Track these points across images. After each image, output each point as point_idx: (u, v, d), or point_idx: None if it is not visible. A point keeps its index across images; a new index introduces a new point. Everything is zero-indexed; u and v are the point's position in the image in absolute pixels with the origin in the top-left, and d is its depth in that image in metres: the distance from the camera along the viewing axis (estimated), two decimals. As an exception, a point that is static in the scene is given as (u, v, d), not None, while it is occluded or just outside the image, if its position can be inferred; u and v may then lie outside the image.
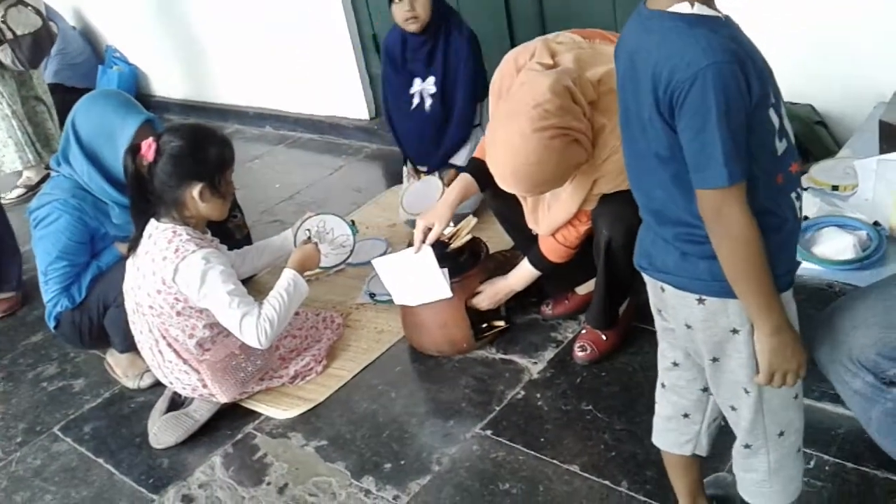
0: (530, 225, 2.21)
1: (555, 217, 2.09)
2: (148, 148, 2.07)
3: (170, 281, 2.08)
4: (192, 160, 2.08)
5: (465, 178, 2.26)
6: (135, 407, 2.48)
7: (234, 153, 2.19)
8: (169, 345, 2.19)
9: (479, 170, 2.20)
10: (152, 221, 2.14)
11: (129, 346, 2.46)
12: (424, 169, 3.17)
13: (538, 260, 2.22)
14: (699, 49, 1.13)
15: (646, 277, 1.41)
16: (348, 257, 2.66)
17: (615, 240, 2.04)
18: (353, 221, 2.71)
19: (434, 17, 2.91)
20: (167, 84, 5.13)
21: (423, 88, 3.05)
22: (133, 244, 2.19)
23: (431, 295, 2.29)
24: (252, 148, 4.39)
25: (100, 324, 2.44)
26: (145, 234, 2.15)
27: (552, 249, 2.17)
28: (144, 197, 2.13)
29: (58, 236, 2.37)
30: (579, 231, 2.11)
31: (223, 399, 2.27)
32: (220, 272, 2.09)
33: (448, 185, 3.01)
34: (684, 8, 1.16)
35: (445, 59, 2.97)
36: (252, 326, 2.11)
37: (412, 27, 2.92)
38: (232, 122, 4.75)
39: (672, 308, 1.36)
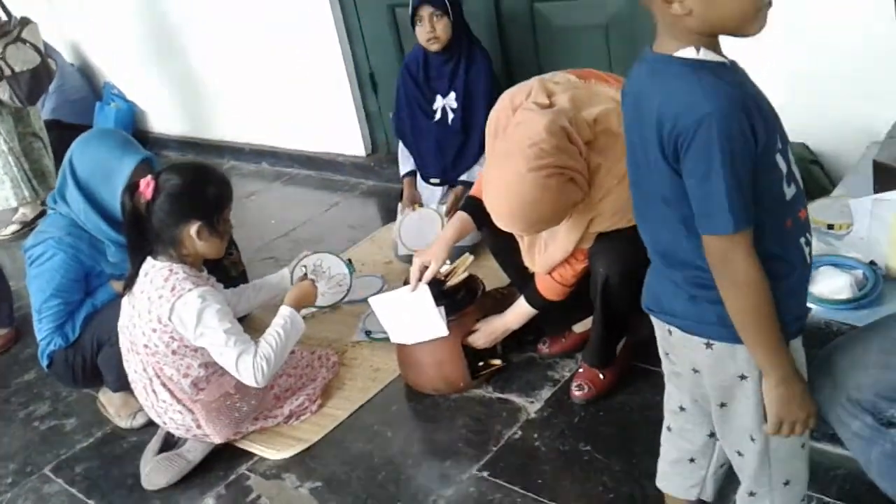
0: (527, 263, 2.20)
1: (551, 255, 2.09)
2: (146, 186, 2.07)
3: (165, 319, 2.07)
4: (190, 199, 2.08)
5: (461, 216, 2.26)
6: (127, 447, 2.45)
7: (233, 192, 2.19)
8: (163, 384, 2.17)
9: (475, 208, 2.20)
10: (149, 260, 2.14)
11: (122, 384, 2.44)
12: (436, 181, 3.22)
13: (534, 298, 2.21)
14: (703, 94, 1.14)
15: (654, 320, 1.40)
16: (345, 296, 2.65)
17: (612, 278, 2.04)
18: (349, 260, 2.71)
19: (454, 37, 3.02)
20: (164, 121, 5.16)
21: (446, 104, 3.14)
22: (129, 282, 2.19)
23: (428, 333, 2.28)
24: (248, 184, 4.41)
25: (93, 362, 2.42)
26: (142, 272, 2.14)
27: (548, 287, 2.17)
28: (142, 235, 2.13)
29: (52, 274, 2.36)
30: (576, 269, 2.11)
31: (217, 440, 2.25)
32: (216, 311, 2.08)
33: (454, 201, 3.10)
34: (689, 53, 1.17)
35: (466, 76, 3.09)
36: (249, 365, 2.10)
37: (434, 47, 3.03)
38: (228, 158, 4.77)
39: (680, 351, 1.35)
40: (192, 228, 2.08)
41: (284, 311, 2.25)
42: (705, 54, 1.17)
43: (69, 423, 2.62)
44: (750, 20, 1.16)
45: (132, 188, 2.10)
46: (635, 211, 1.36)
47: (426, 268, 2.24)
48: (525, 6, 3.29)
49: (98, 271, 2.42)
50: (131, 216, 2.11)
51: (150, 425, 2.42)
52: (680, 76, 1.17)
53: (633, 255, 1.97)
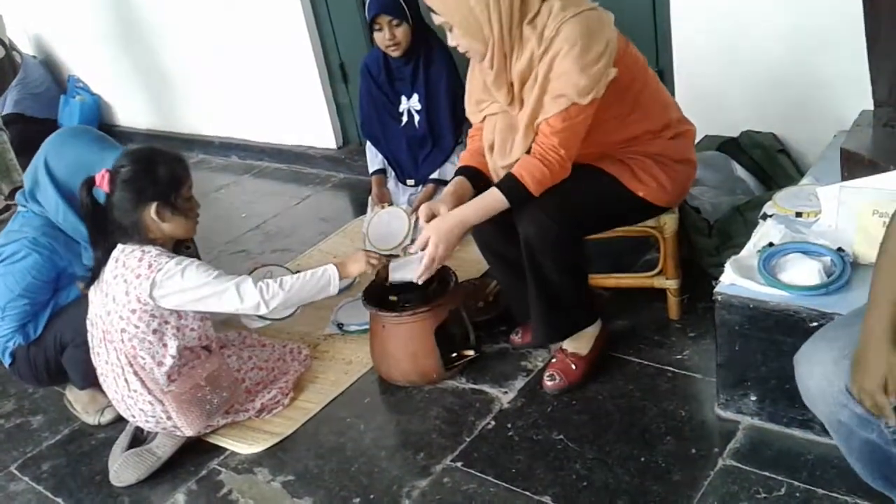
0: (499, 163, 2.09)
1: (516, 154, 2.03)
2: (102, 179, 2.07)
3: (146, 297, 2.06)
4: (143, 182, 2.07)
5: (459, 179, 2.18)
6: (95, 444, 2.40)
7: (188, 169, 2.17)
8: (136, 373, 2.13)
9: (470, 175, 2.18)
10: (119, 247, 2.12)
11: (89, 382, 2.40)
12: (411, 183, 3.20)
13: (512, 184, 1.99)
14: None
15: None
16: (297, 309, 2.58)
17: (530, 238, 2.01)
18: (298, 272, 2.72)
19: (414, 39, 2.98)
20: (131, 114, 5.08)
21: (411, 105, 3.12)
22: (95, 272, 2.16)
23: None
24: (218, 178, 4.35)
25: (56, 361, 2.37)
26: (112, 260, 2.12)
27: (531, 168, 1.97)
28: (103, 228, 2.11)
29: (23, 274, 2.30)
30: (553, 143, 1.94)
31: (188, 432, 2.22)
32: (196, 266, 2.09)
33: (425, 198, 3.08)
34: None
35: (427, 76, 3.06)
36: (250, 288, 2.10)
37: (394, 53, 3.00)
38: (197, 151, 4.70)
39: None
40: (151, 210, 2.07)
41: (327, 266, 2.22)
42: None
43: (35, 420, 2.57)
44: None
45: (89, 182, 2.10)
46: None
47: (434, 216, 2.12)
48: None
49: (69, 273, 2.37)
50: (90, 209, 2.11)
51: (119, 422, 2.38)
52: None
53: (548, 218, 1.99)
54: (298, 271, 2.66)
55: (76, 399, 2.51)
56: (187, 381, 2.17)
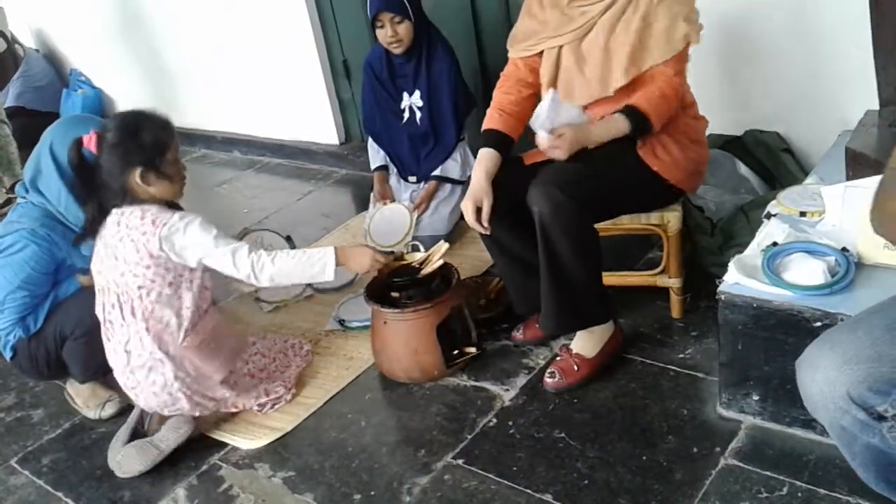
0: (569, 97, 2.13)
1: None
2: (90, 140, 2.10)
3: (157, 251, 2.08)
4: (127, 147, 2.08)
5: (487, 152, 2.18)
6: (96, 437, 2.40)
7: (173, 133, 2.17)
8: (153, 332, 2.14)
9: (497, 141, 2.19)
10: (115, 211, 2.14)
11: (89, 375, 2.39)
12: (413, 180, 3.20)
13: (638, 116, 2.04)
14: None
15: None
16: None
17: (544, 216, 2.00)
18: (288, 236, 2.71)
19: (416, 36, 2.98)
20: (133, 107, 5.06)
21: (412, 102, 3.11)
22: (90, 228, 2.17)
23: None
24: (220, 173, 4.35)
25: (57, 355, 2.36)
26: (112, 222, 2.13)
27: (650, 98, 2.05)
28: (92, 186, 2.14)
29: (22, 266, 2.29)
30: (676, 83, 2.07)
31: (218, 376, 2.24)
32: (199, 223, 2.11)
33: (426, 195, 3.08)
34: None
35: (429, 73, 3.05)
36: (244, 256, 2.11)
37: (397, 50, 3.00)
38: (199, 146, 4.70)
39: None
40: (136, 175, 2.08)
41: (327, 248, 2.20)
42: None
43: (36, 414, 2.57)
44: None
45: (78, 143, 2.11)
46: None
47: (479, 209, 2.14)
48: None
49: (68, 264, 2.37)
50: (79, 169, 2.13)
51: (119, 416, 2.38)
52: None
53: (562, 193, 1.99)
54: (290, 237, 2.70)
55: (77, 393, 2.51)
56: (199, 335, 2.20)
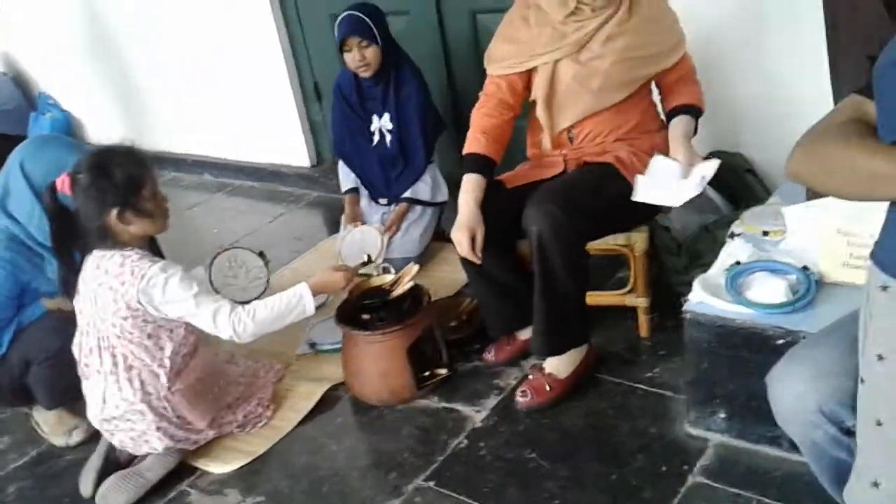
0: (568, 113, 2.22)
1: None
2: (62, 183, 2.06)
3: (135, 304, 2.04)
4: (100, 187, 2.02)
5: (472, 178, 2.18)
6: (64, 465, 2.37)
7: (147, 168, 2.11)
8: (137, 379, 2.10)
9: (481, 164, 2.20)
10: (95, 253, 2.09)
11: (56, 402, 2.36)
12: (384, 202, 3.20)
13: (697, 110, 2.27)
14: None
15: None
16: (266, 288, 2.61)
17: (544, 234, 2.02)
18: (261, 252, 2.71)
19: (384, 60, 2.99)
20: (102, 130, 5.03)
21: (382, 125, 3.13)
22: (66, 283, 2.14)
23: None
24: (190, 196, 4.33)
25: (22, 381, 2.33)
26: (91, 265, 2.09)
27: (699, 94, 2.30)
28: (68, 233, 2.10)
29: None
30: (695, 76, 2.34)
31: (201, 424, 2.21)
32: (179, 279, 2.06)
33: (397, 217, 3.09)
34: None
35: (398, 97, 3.07)
36: (225, 318, 2.08)
37: (365, 74, 3.02)
38: (169, 169, 4.67)
39: None
40: (113, 216, 2.04)
41: (298, 286, 2.20)
42: None
43: (1, 441, 2.53)
44: None
45: (52, 188, 2.08)
46: None
47: (474, 239, 2.13)
48: (466, 18, 3.32)
49: (33, 288, 2.34)
50: (57, 214, 2.09)
51: (88, 443, 2.36)
52: None
53: (562, 211, 2.03)
54: (262, 253, 2.66)
55: (44, 420, 2.47)
56: (188, 379, 2.17)
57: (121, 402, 2.12)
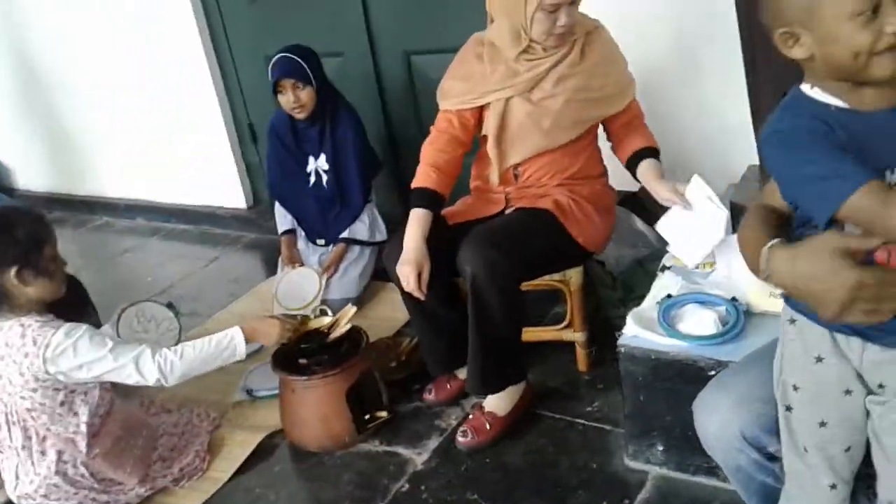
0: (522, 146, 2.22)
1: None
2: None
3: (43, 375, 1.95)
4: (0, 244, 1.95)
5: (419, 213, 2.17)
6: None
7: (51, 228, 2.06)
8: (52, 449, 2.02)
9: (429, 199, 2.19)
10: None
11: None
12: (322, 242, 3.18)
13: (654, 150, 2.27)
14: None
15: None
16: (179, 338, 2.56)
17: (478, 275, 2.03)
18: (170, 303, 2.67)
19: (319, 101, 2.99)
20: (30, 176, 4.90)
21: (318, 166, 3.11)
22: None
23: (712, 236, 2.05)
24: (123, 241, 4.23)
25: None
26: None
27: (648, 133, 2.30)
28: None
29: None
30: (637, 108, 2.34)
31: (131, 481, 2.13)
32: (88, 339, 1.98)
33: (335, 257, 3.06)
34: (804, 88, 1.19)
35: (334, 137, 3.06)
36: (149, 360, 2.02)
37: (299, 115, 3.00)
38: (100, 214, 4.57)
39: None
40: (11, 275, 1.95)
41: (231, 329, 2.15)
42: (816, 92, 1.17)
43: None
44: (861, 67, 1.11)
45: None
46: None
47: (419, 275, 2.11)
48: (401, 59, 3.35)
49: None
50: None
51: (11, 504, 2.25)
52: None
53: (497, 253, 2.04)
54: (171, 304, 2.60)
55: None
56: (107, 439, 2.09)
57: (34, 478, 2.04)
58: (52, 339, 1.95)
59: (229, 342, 2.13)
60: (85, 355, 1.97)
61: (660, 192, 2.14)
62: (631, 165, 2.25)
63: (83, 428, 2.04)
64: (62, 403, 2.01)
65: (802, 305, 1.22)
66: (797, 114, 1.17)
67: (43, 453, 2.03)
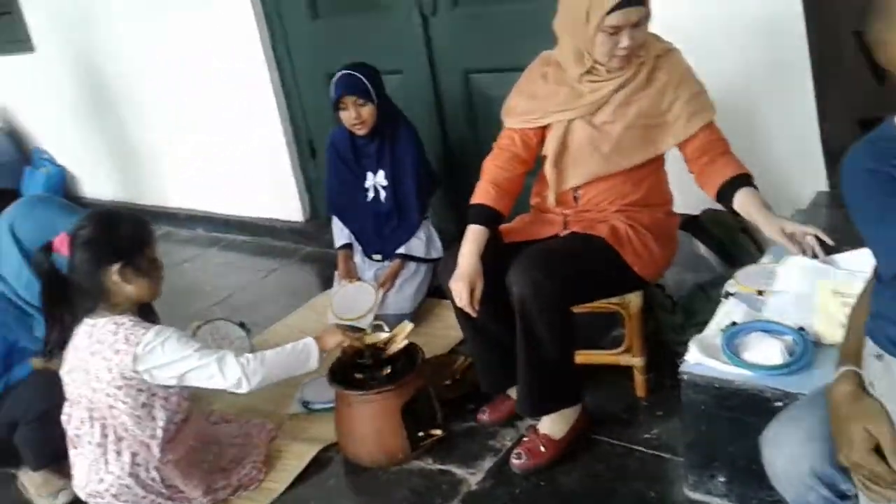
0: (578, 171, 2.20)
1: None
2: (61, 242, 2.04)
3: (130, 372, 2.00)
4: (104, 242, 2.02)
5: (475, 229, 2.15)
6: (48, 529, 2.32)
7: (152, 231, 2.13)
8: (127, 451, 2.07)
9: (486, 216, 2.17)
10: (87, 321, 2.06)
11: (43, 463, 2.32)
12: (378, 257, 3.20)
13: (747, 176, 2.14)
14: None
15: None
16: None
17: (525, 297, 2.01)
18: (242, 323, 2.69)
19: (380, 118, 3.02)
20: (97, 185, 5.06)
21: (377, 182, 3.14)
22: (53, 345, 2.10)
23: None
24: (183, 251, 4.32)
25: (9, 441, 2.29)
26: (83, 334, 2.06)
27: (734, 159, 2.19)
28: (61, 296, 2.07)
29: None
30: (716, 132, 2.23)
31: (195, 493, 2.16)
32: (176, 340, 2.04)
33: (391, 273, 3.08)
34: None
35: (393, 154, 3.09)
36: (233, 362, 2.06)
37: (360, 132, 3.04)
38: (162, 224, 4.67)
39: None
40: (114, 271, 2.01)
41: (306, 340, 2.20)
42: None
43: (-15, 504, 2.48)
44: None
45: (47, 248, 2.06)
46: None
47: (472, 291, 2.10)
48: (459, 77, 3.37)
49: (20, 347, 2.31)
50: (49, 276, 2.07)
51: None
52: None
53: (543, 273, 2.02)
54: (243, 324, 2.64)
55: (30, 481, 2.42)
56: (181, 447, 2.13)
57: (106, 476, 2.08)
58: (143, 337, 2.01)
59: (304, 350, 2.17)
60: (171, 354, 2.02)
61: (767, 231, 2.02)
62: (724, 196, 2.11)
63: (159, 433, 2.08)
64: (143, 405, 2.05)
65: (888, 342, 1.19)
66: (880, 157, 1.15)
67: (118, 453, 2.07)
